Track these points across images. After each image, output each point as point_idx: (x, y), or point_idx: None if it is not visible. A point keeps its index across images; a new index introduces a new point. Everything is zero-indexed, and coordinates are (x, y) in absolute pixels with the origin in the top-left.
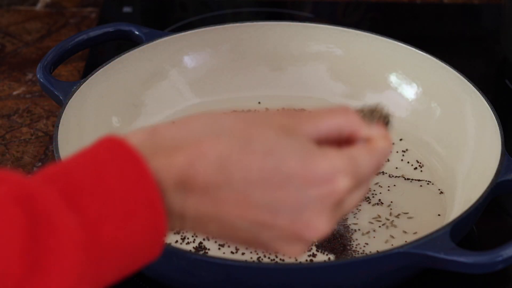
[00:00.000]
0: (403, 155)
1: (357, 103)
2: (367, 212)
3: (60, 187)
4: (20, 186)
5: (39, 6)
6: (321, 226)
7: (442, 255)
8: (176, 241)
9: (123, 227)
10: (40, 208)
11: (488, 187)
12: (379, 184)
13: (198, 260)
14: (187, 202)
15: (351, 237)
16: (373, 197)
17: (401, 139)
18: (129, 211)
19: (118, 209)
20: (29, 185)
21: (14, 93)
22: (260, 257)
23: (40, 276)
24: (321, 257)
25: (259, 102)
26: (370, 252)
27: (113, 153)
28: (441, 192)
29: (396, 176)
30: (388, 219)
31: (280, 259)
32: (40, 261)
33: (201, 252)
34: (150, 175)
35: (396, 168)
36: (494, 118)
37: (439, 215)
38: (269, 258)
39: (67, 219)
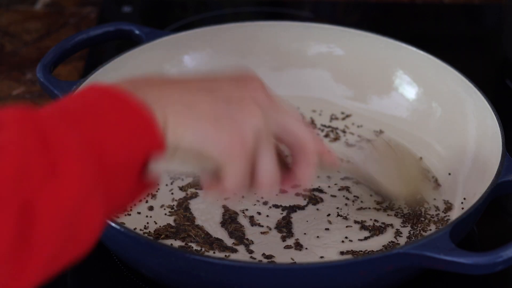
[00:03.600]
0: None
1: (357, 103)
2: (368, 212)
3: (56, 115)
4: (24, 113)
5: (38, 6)
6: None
7: (441, 256)
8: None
9: (119, 130)
10: (45, 127)
11: (489, 187)
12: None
13: (198, 260)
14: (163, 92)
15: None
16: (371, 196)
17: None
18: (120, 117)
19: (111, 122)
20: (33, 113)
21: (14, 93)
22: (261, 260)
23: (56, 181)
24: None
25: None
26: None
27: (96, 89)
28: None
29: None
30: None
31: (273, 261)
32: (55, 167)
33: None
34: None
35: None
36: (495, 118)
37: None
38: (264, 255)
39: (70, 134)
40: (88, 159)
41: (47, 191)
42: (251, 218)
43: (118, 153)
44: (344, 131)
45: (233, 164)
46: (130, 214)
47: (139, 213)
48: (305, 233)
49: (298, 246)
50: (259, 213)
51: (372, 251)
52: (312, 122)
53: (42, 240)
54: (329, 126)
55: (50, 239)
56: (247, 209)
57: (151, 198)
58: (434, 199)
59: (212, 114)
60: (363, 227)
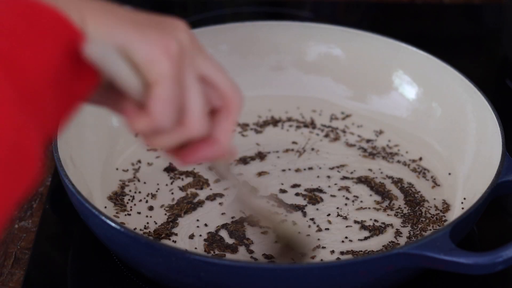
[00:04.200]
0: (403, 155)
1: (357, 103)
2: (368, 212)
3: None
4: None
5: None
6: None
7: (441, 256)
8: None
9: (28, 36)
10: None
11: (489, 187)
12: (380, 183)
13: (198, 260)
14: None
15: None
16: (371, 196)
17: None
18: (26, 21)
19: (18, 29)
20: None
21: None
22: (261, 260)
23: None
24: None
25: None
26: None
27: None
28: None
29: (397, 177)
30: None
31: (274, 261)
32: None
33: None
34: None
35: (397, 168)
36: (495, 118)
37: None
38: (264, 255)
39: None
40: (5, 79)
41: None
42: (251, 218)
43: (35, 59)
44: (344, 131)
45: (162, 80)
46: (130, 214)
47: (139, 213)
48: (305, 234)
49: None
50: None
51: (372, 251)
52: (312, 122)
53: None
54: (329, 126)
55: None
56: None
57: (151, 198)
58: (434, 199)
59: (133, 19)
60: (363, 227)
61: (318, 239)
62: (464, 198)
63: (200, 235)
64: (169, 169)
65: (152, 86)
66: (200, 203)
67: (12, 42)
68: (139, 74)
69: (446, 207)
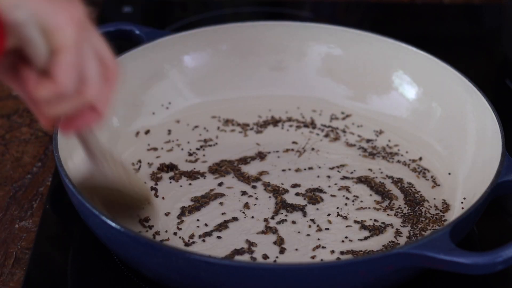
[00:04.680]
0: (403, 155)
1: (357, 103)
2: (368, 212)
3: None
4: None
5: None
6: None
7: (441, 256)
8: (168, 239)
9: None
10: None
11: (489, 187)
12: (380, 183)
13: (198, 260)
14: None
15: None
16: (371, 196)
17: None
18: None
19: None
20: None
21: (14, 93)
22: (261, 260)
23: None
24: (321, 257)
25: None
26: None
27: None
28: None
29: (397, 177)
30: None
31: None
32: None
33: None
34: None
35: (397, 168)
36: (495, 118)
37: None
38: (264, 255)
39: None
40: None
41: None
42: (252, 218)
43: None
44: (344, 131)
45: (68, 46)
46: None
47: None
48: (305, 234)
49: (299, 246)
50: (260, 213)
51: (372, 251)
52: (312, 122)
53: None
54: (329, 126)
55: None
56: (247, 209)
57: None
58: (434, 198)
59: None
60: (363, 227)
61: (318, 239)
62: (464, 198)
63: (200, 235)
64: (170, 169)
65: (57, 52)
66: (201, 203)
67: None
68: (46, 41)
69: (446, 207)
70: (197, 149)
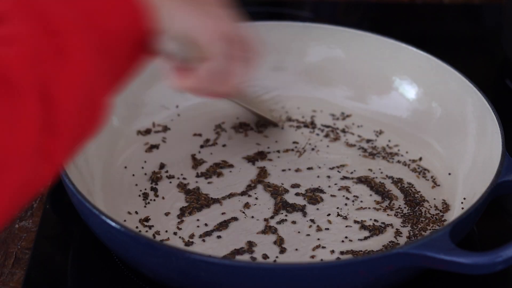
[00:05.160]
0: (403, 155)
1: (357, 103)
2: (368, 212)
3: None
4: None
5: None
6: None
7: (441, 256)
8: (168, 238)
9: (113, 5)
10: (44, 10)
11: (489, 187)
12: (380, 183)
13: (198, 260)
14: None
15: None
16: (371, 196)
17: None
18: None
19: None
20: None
21: None
22: (261, 260)
23: (66, 61)
24: (321, 257)
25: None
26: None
27: None
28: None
29: (396, 177)
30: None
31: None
32: (63, 49)
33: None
34: None
35: (397, 168)
36: (495, 118)
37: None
38: (264, 255)
39: (69, 14)
40: (89, 35)
41: (60, 72)
42: (252, 218)
43: (116, 27)
44: (344, 131)
45: (215, 57)
46: (130, 214)
47: (137, 213)
48: (305, 234)
49: (298, 246)
50: (260, 213)
51: (372, 251)
52: (312, 122)
53: (64, 122)
54: (329, 126)
55: (71, 118)
56: (247, 209)
57: (153, 195)
58: (434, 199)
59: (190, 8)
60: (363, 227)
61: (318, 239)
62: (464, 198)
63: (200, 235)
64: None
65: (206, 60)
66: (202, 204)
67: (96, 4)
68: (194, 50)
69: (446, 207)
70: (197, 149)
